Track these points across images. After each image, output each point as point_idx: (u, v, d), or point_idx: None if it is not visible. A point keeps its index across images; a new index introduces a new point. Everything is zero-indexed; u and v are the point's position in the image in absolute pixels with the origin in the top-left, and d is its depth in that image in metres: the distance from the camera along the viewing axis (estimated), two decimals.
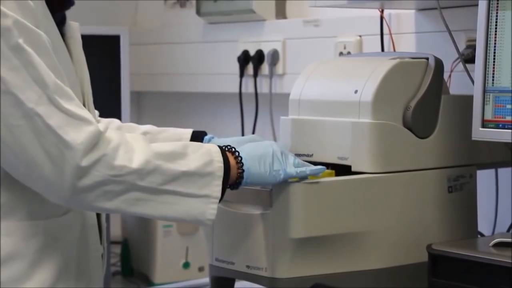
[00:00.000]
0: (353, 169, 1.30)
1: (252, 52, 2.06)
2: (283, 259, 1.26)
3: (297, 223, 1.25)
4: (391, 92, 1.31)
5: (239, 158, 1.21)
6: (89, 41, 2.12)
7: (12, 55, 1.06)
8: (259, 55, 2.04)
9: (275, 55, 2.02)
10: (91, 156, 1.10)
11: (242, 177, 1.20)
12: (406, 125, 1.33)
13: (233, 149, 1.22)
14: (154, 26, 2.38)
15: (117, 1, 2.40)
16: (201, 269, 2.01)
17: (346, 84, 1.33)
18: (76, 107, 1.11)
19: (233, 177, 1.20)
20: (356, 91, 1.30)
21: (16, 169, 1.12)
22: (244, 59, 2.06)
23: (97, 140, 1.10)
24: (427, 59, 1.38)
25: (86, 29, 2.13)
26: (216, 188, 1.17)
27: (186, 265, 2.00)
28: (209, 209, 1.17)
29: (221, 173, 1.18)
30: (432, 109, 1.35)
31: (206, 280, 1.42)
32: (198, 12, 2.17)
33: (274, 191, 1.26)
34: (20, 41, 1.08)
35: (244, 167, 1.20)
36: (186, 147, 1.18)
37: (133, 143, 1.14)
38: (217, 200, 1.18)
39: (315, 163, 1.34)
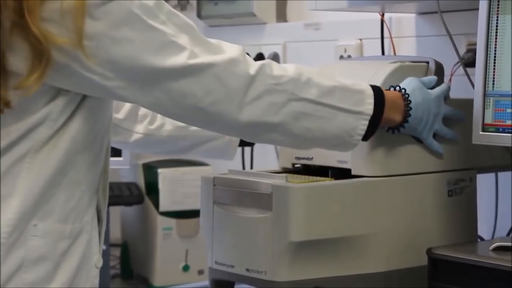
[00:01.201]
0: (353, 172, 1.30)
1: (252, 55, 2.06)
2: (282, 262, 1.26)
3: (297, 226, 1.25)
4: None
5: (406, 95, 1.27)
6: None
7: (158, 11, 1.11)
8: (260, 58, 2.02)
9: (275, 58, 2.02)
10: (253, 64, 1.15)
11: (409, 115, 1.26)
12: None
13: (399, 88, 1.28)
14: None
15: None
16: (200, 272, 2.00)
17: None
18: (209, 39, 1.16)
19: (398, 111, 1.25)
20: None
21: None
22: None
23: (244, 52, 1.17)
24: (428, 63, 1.38)
25: None
26: (368, 106, 1.22)
27: (186, 268, 2.00)
28: (361, 125, 1.21)
29: (371, 92, 1.22)
30: None
31: (205, 283, 1.42)
32: (199, 15, 2.18)
33: (274, 194, 1.26)
34: None
35: (411, 105, 1.27)
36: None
37: (281, 64, 1.20)
38: (369, 117, 1.22)
39: (315, 167, 1.34)
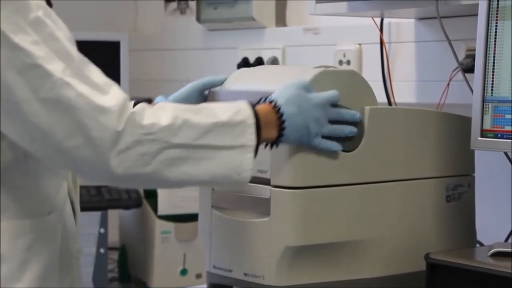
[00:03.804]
0: (272, 182, 1.26)
1: (252, 60, 2.06)
2: (280, 267, 1.26)
3: (295, 231, 1.25)
4: None
5: (277, 107, 1.18)
6: (89, 47, 2.13)
7: (33, 29, 1.06)
8: (259, 63, 2.05)
9: (274, 62, 2.02)
10: (123, 118, 1.08)
11: (283, 128, 1.18)
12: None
13: (270, 99, 1.19)
14: (154, 33, 2.38)
15: (118, 8, 2.40)
16: (198, 276, 2.00)
17: (269, 92, 1.26)
18: (101, 75, 1.11)
19: (271, 127, 1.18)
20: None
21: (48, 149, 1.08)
22: (244, 66, 2.06)
23: (125, 103, 1.10)
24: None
25: (86, 34, 2.14)
26: (250, 136, 1.15)
27: (184, 271, 1.99)
28: (247, 159, 1.15)
29: (252, 120, 1.15)
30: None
31: (203, 287, 1.42)
32: (198, 19, 2.18)
33: (272, 198, 1.26)
34: (40, 14, 1.08)
35: (284, 117, 1.18)
36: (210, 103, 1.18)
37: (156, 107, 1.13)
38: (253, 149, 1.15)
39: None
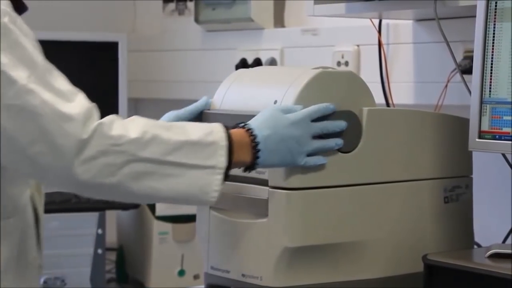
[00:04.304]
0: (270, 183, 1.25)
1: (250, 60, 2.06)
2: (278, 268, 1.26)
3: (293, 231, 1.25)
4: (312, 102, 1.24)
5: (251, 131, 1.17)
6: (87, 47, 2.13)
7: None
8: (257, 63, 2.05)
9: (273, 63, 2.02)
10: (89, 127, 1.07)
11: (258, 151, 1.16)
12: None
13: (244, 124, 1.18)
14: (152, 33, 2.38)
15: (116, 8, 2.40)
16: (196, 276, 2.00)
17: (267, 93, 1.28)
18: (66, 83, 1.10)
19: (244, 150, 1.16)
20: (275, 102, 1.26)
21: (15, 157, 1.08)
22: (242, 67, 2.06)
23: (91, 112, 1.09)
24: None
25: (85, 35, 2.14)
26: (221, 158, 1.13)
27: (181, 272, 1.99)
28: (215, 180, 1.13)
29: (224, 142, 1.14)
30: (352, 122, 1.26)
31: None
32: (197, 19, 2.18)
33: (270, 199, 1.26)
34: (6, 20, 1.07)
35: (258, 140, 1.16)
36: (183, 122, 1.17)
37: (127, 119, 1.12)
38: (222, 171, 1.14)
39: (232, 177, 1.25)
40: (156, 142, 1.11)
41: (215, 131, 1.16)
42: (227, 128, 1.18)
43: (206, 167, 1.13)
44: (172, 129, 1.14)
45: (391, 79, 1.78)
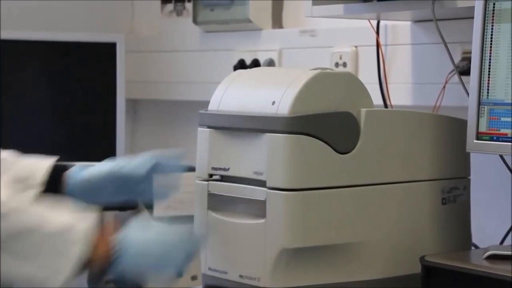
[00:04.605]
0: (268, 184, 1.23)
1: (248, 61, 2.06)
2: (276, 269, 1.26)
3: (291, 233, 1.25)
4: (310, 103, 1.23)
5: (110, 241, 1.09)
6: (85, 48, 2.13)
7: None
8: (255, 64, 2.05)
9: (271, 64, 2.02)
10: None
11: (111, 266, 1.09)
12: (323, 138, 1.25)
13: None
14: (150, 34, 2.38)
15: (114, 9, 2.40)
16: (194, 278, 2.00)
17: (265, 94, 1.27)
18: None
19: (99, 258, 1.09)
20: (273, 102, 1.25)
21: None
22: (240, 68, 2.06)
23: None
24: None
25: (83, 36, 2.14)
26: (66, 263, 1.07)
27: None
28: (56, 281, 1.06)
29: (78, 248, 1.06)
30: (350, 123, 1.26)
31: None
32: (195, 20, 2.18)
33: (268, 201, 1.26)
34: None
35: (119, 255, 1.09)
36: (47, 210, 1.07)
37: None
38: (65, 276, 1.08)
39: (230, 178, 1.26)
40: (6, 220, 1.03)
41: (74, 230, 1.07)
42: (90, 227, 1.09)
43: (47, 266, 1.06)
44: (29, 213, 1.04)
45: (389, 80, 1.78)
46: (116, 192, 1.28)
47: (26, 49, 2.01)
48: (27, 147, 2.07)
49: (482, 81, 1.31)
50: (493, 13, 1.30)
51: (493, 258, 1.25)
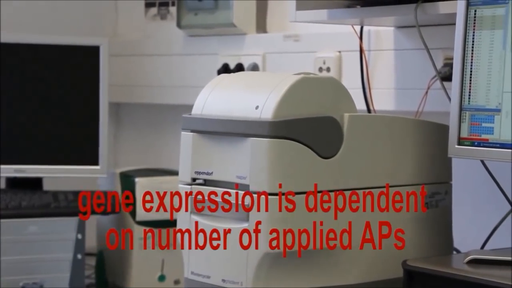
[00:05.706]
0: (251, 188, 1.24)
1: (232, 65, 2.07)
2: (259, 273, 1.26)
3: (274, 237, 1.25)
4: (294, 108, 1.24)
5: None
6: (69, 51, 2.12)
7: None
8: (239, 69, 2.05)
9: (255, 68, 2.02)
10: None
11: None
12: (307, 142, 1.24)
13: None
14: (134, 38, 2.38)
15: (98, 12, 2.39)
16: (176, 282, 2.00)
17: (248, 99, 1.27)
18: None
19: None
20: (257, 107, 1.25)
21: None
22: (224, 72, 2.06)
23: None
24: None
25: (66, 39, 2.13)
26: None
27: (162, 278, 1.99)
28: None
29: None
30: (333, 127, 1.26)
31: None
32: (179, 24, 2.18)
33: (252, 205, 1.26)
34: None
35: None
36: None
37: None
38: None
39: (214, 182, 1.26)
40: None
41: None
42: None
43: None
44: None
45: (372, 85, 1.79)
46: None
47: (8, 52, 2.00)
48: (8, 151, 2.06)
49: (463, 87, 1.32)
50: (475, 20, 1.32)
51: (474, 262, 1.26)
